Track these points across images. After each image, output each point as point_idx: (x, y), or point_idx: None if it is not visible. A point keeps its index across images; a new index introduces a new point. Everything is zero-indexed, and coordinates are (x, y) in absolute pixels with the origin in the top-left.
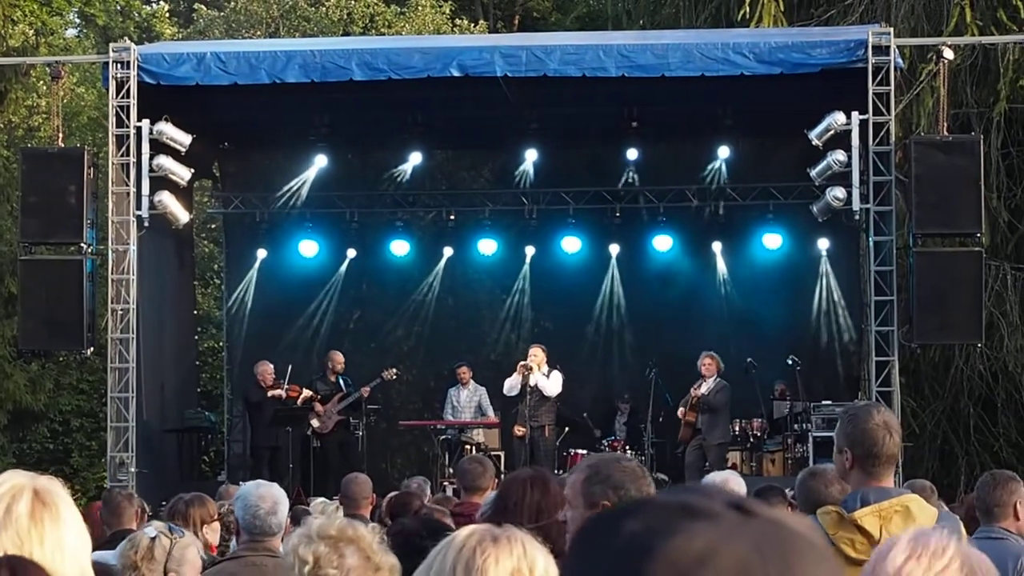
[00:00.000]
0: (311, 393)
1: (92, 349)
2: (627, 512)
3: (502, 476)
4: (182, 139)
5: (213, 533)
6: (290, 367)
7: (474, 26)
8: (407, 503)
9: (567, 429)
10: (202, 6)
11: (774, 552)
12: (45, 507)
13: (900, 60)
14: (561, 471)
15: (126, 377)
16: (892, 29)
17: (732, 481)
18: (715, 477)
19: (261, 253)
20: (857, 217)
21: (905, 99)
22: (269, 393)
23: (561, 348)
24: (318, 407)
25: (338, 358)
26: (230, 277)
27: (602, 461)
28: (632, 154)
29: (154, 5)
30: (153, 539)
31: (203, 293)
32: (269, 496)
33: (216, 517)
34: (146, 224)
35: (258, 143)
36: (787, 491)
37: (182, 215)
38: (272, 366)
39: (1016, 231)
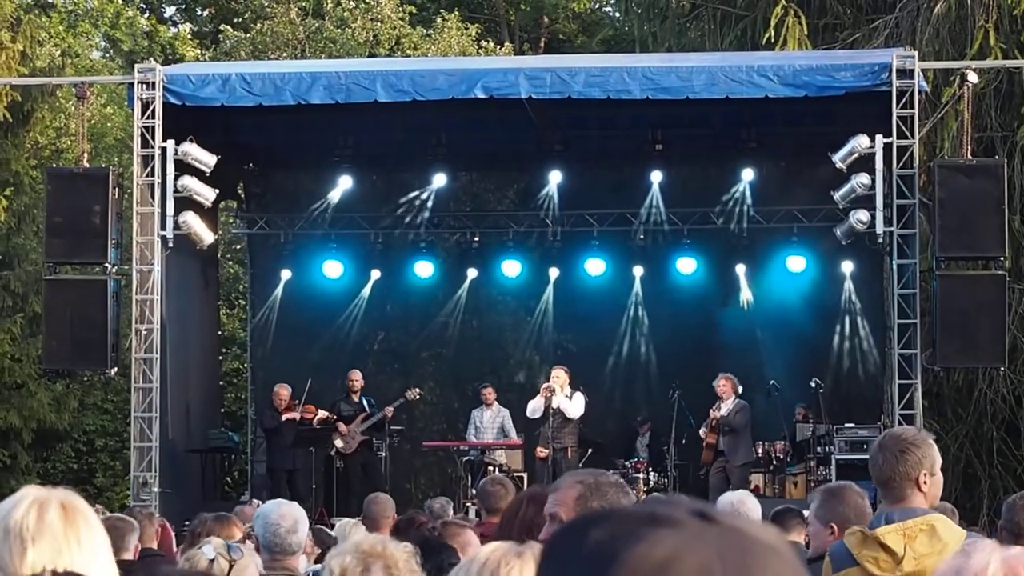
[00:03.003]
0: (327, 414)
1: (116, 369)
2: (594, 521)
3: None
4: (207, 160)
5: None
6: (308, 382)
7: (500, 48)
8: (412, 520)
9: (590, 451)
10: (228, 27)
11: (736, 558)
12: (77, 511)
13: (924, 83)
14: None
15: (150, 397)
16: (916, 52)
17: (747, 502)
18: (730, 497)
19: (285, 274)
20: (881, 240)
21: (929, 122)
22: (284, 417)
23: (584, 370)
24: (341, 427)
25: (355, 376)
26: (255, 298)
27: (592, 476)
28: (656, 176)
29: (178, 27)
30: (211, 561)
31: (228, 314)
32: (289, 515)
33: (241, 538)
34: (170, 244)
35: (283, 164)
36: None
37: (207, 236)
38: (289, 390)
39: None
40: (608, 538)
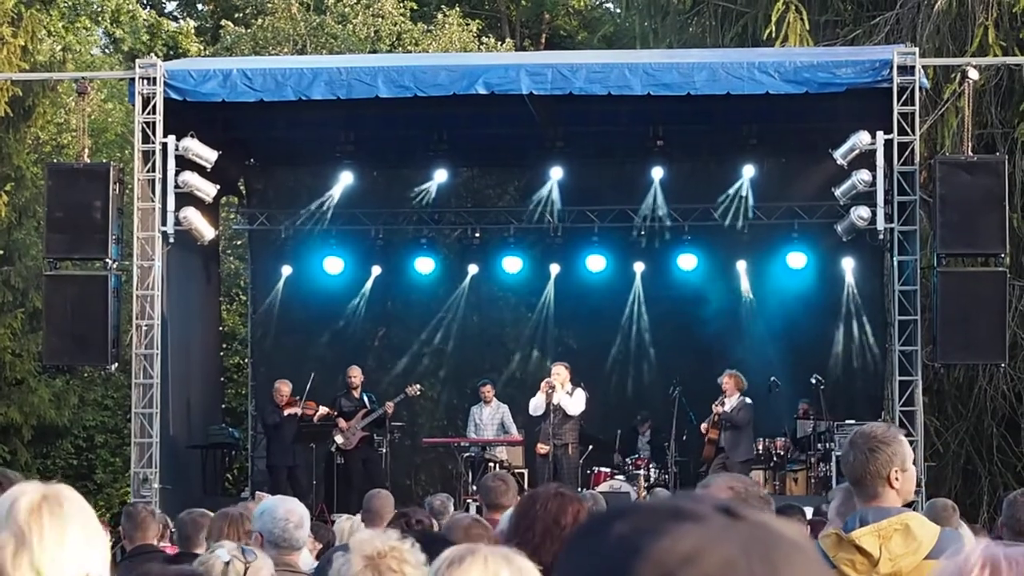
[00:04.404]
0: (327, 410)
1: (116, 365)
2: (618, 515)
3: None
4: (208, 155)
5: None
6: (311, 377)
7: (501, 44)
8: (402, 515)
9: (591, 447)
10: (229, 23)
11: (760, 554)
12: (47, 504)
13: (925, 80)
14: (583, 489)
15: (150, 393)
16: (917, 49)
17: None
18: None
19: (286, 270)
20: (881, 237)
21: (930, 119)
22: (285, 411)
23: (585, 366)
24: (342, 423)
25: (354, 372)
26: (255, 293)
27: (743, 484)
28: (657, 172)
29: (180, 22)
30: (227, 563)
31: (228, 309)
32: (296, 511)
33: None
34: (171, 240)
35: (284, 160)
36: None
37: (207, 231)
38: (290, 386)
39: None
40: (632, 531)
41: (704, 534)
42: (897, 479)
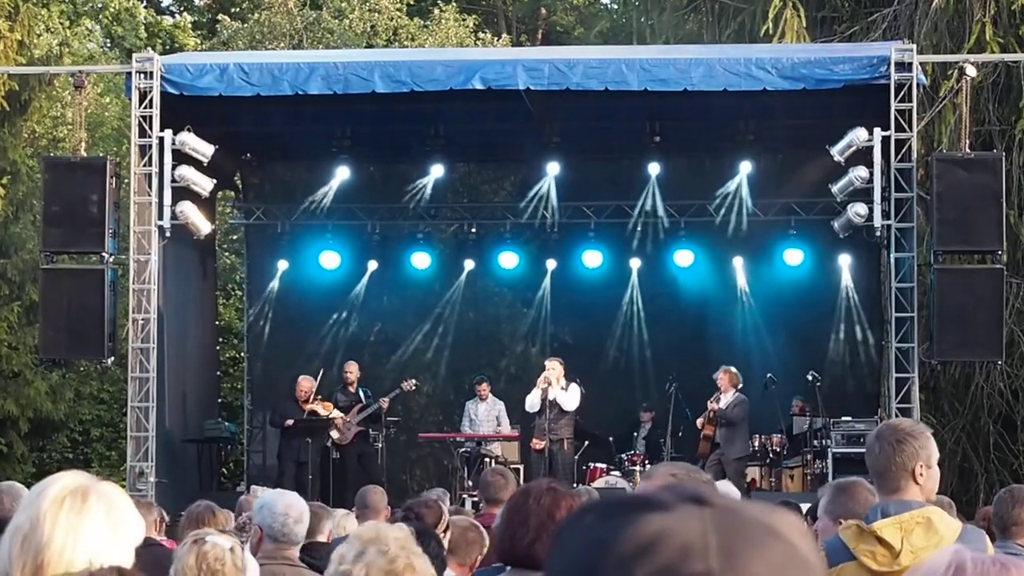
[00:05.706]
0: (340, 414)
1: (112, 359)
2: (590, 508)
3: None
4: (204, 150)
5: None
6: (321, 373)
7: (497, 40)
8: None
9: (586, 443)
10: (226, 18)
11: (724, 537)
12: (71, 497)
13: (922, 77)
14: (579, 484)
15: (146, 387)
16: (915, 46)
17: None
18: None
19: (282, 264)
20: (878, 233)
21: (927, 116)
22: (306, 408)
23: (581, 362)
24: (337, 419)
25: (351, 368)
26: (251, 288)
27: (685, 471)
28: (654, 168)
29: (177, 17)
30: (231, 550)
31: (224, 304)
32: (296, 505)
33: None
34: (168, 234)
35: (280, 154)
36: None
37: (204, 226)
38: (312, 382)
39: None
40: (600, 523)
41: (665, 522)
42: (921, 475)
